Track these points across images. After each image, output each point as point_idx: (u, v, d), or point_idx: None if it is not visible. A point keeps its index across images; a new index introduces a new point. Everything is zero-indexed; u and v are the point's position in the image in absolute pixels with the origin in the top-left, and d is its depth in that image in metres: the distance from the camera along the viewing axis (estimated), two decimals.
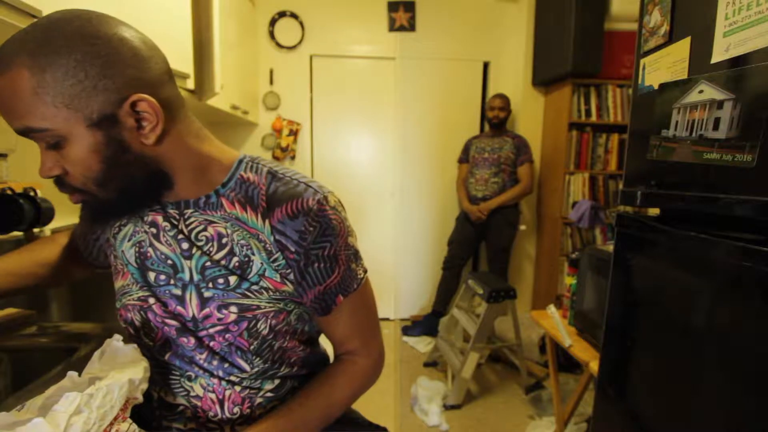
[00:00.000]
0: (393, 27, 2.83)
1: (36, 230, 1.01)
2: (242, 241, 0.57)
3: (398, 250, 3.05)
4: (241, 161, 0.60)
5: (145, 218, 0.59)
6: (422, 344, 2.63)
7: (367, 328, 0.66)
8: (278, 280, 0.58)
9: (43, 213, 0.96)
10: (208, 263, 0.57)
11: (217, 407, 0.60)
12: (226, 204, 0.58)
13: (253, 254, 0.57)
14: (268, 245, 0.57)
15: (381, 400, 2.03)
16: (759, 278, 0.59)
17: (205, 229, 0.58)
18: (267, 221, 0.57)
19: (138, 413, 0.53)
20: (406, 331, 2.79)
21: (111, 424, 0.46)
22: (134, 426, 0.51)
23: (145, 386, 0.53)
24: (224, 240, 0.57)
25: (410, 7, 2.82)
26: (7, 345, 0.85)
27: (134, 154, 0.50)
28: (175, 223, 0.58)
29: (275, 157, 2.85)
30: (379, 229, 3.03)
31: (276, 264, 0.57)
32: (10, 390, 0.80)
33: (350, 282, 0.61)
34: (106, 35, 0.46)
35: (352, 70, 2.90)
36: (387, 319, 3.07)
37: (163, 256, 0.58)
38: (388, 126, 2.95)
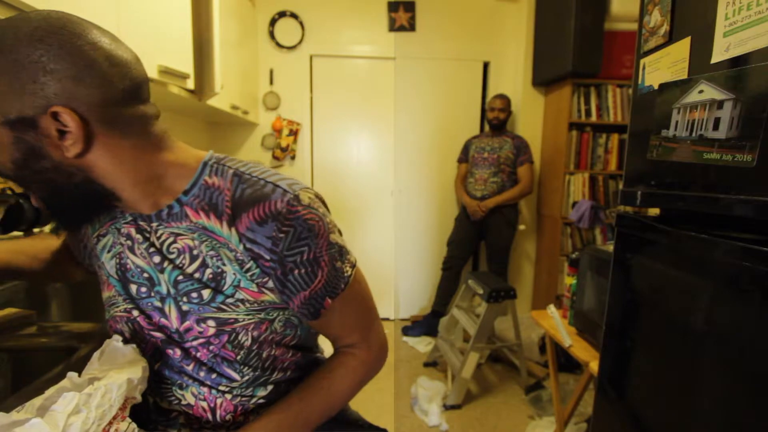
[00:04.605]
0: (393, 27, 2.83)
1: (36, 230, 1.01)
2: (211, 252, 0.54)
3: (398, 250, 3.05)
4: (205, 164, 0.56)
5: (121, 230, 0.58)
6: (422, 344, 2.63)
7: (362, 322, 0.64)
8: (255, 290, 0.55)
9: (43, 213, 0.96)
10: (181, 277, 0.55)
11: (209, 415, 0.59)
12: (190, 213, 0.55)
13: (225, 265, 0.54)
14: (238, 254, 0.54)
15: (381, 400, 2.03)
16: (759, 278, 0.59)
17: (174, 242, 0.55)
18: (233, 229, 0.53)
19: (136, 416, 0.53)
20: (406, 331, 2.79)
21: (110, 423, 0.46)
22: (134, 425, 0.51)
23: (144, 386, 0.53)
24: (195, 252, 0.55)
25: (410, 7, 2.82)
26: (7, 345, 0.85)
27: (52, 162, 0.48)
28: (147, 235, 0.57)
29: (275, 157, 2.85)
30: (379, 229, 3.03)
31: (250, 274, 0.54)
32: (10, 390, 0.80)
33: (337, 282, 0.57)
34: (57, 42, 0.45)
35: (352, 70, 2.89)
36: (387, 319, 3.07)
37: (139, 269, 0.57)
38: (388, 126, 2.95)
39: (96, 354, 0.54)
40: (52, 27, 0.45)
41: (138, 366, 0.52)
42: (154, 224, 0.56)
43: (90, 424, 0.43)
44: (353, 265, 0.61)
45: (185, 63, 1.45)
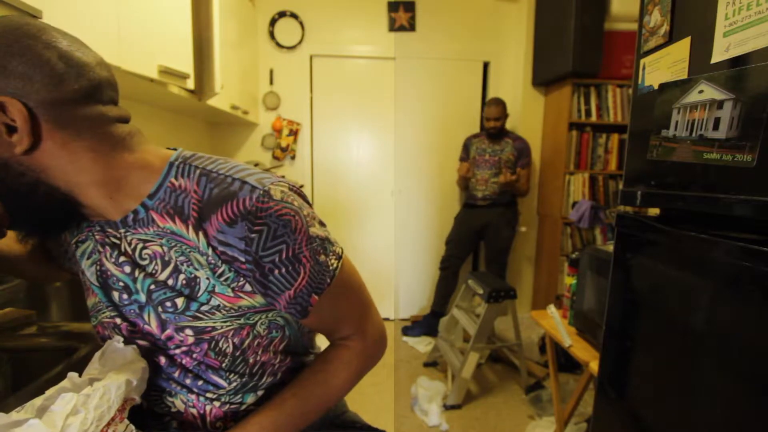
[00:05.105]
0: (393, 27, 2.83)
1: None
2: (182, 258, 0.52)
3: (398, 251, 3.05)
4: (171, 165, 0.53)
5: (96, 237, 0.57)
6: (422, 344, 2.63)
7: (355, 313, 0.62)
8: (231, 294, 0.53)
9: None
10: (153, 286, 0.54)
11: (199, 422, 0.58)
12: (157, 218, 0.52)
13: (197, 270, 0.52)
14: (209, 258, 0.51)
15: (381, 400, 2.03)
16: (759, 278, 0.59)
17: (145, 248, 0.54)
18: (201, 233, 0.51)
19: (132, 419, 0.53)
20: (406, 331, 2.79)
21: (108, 424, 0.46)
22: (131, 427, 0.51)
23: (143, 387, 0.53)
24: (166, 257, 0.53)
25: (410, 7, 2.82)
26: (7, 345, 0.85)
27: (0, 159, 0.47)
28: (117, 243, 0.55)
29: (275, 157, 2.85)
30: (379, 229, 3.03)
31: (224, 278, 0.52)
32: (10, 390, 0.80)
33: (322, 277, 0.55)
34: (8, 41, 0.45)
35: (352, 70, 2.89)
36: (387, 319, 3.07)
37: (115, 278, 0.56)
38: (388, 126, 2.95)
39: (97, 354, 0.54)
40: (5, 28, 0.46)
41: (137, 367, 0.52)
42: (122, 231, 0.54)
43: (88, 424, 0.43)
44: (339, 257, 0.58)
45: (185, 63, 1.45)
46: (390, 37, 2.85)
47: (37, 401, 0.46)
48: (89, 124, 0.50)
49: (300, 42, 2.77)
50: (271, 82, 2.79)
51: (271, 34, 2.74)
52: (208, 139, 2.72)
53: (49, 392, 0.48)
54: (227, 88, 1.96)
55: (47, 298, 1.11)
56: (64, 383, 0.49)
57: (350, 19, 2.81)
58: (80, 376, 0.51)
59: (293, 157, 2.88)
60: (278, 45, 2.75)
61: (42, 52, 0.46)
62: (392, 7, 2.81)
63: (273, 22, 2.73)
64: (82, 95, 0.49)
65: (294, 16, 2.74)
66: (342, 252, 0.59)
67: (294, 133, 2.84)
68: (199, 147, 2.49)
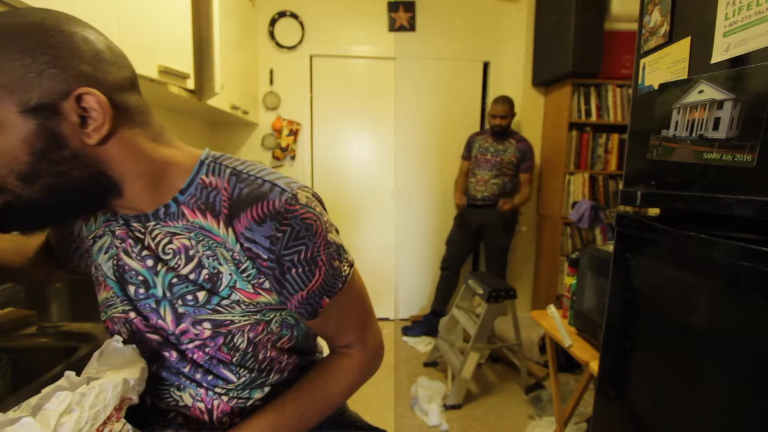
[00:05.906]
0: (393, 27, 2.83)
1: None
2: (208, 252, 0.54)
3: (398, 250, 3.05)
4: (202, 163, 0.55)
5: (116, 232, 0.57)
6: (422, 344, 2.63)
7: (359, 321, 0.64)
8: (251, 291, 0.55)
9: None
10: (175, 279, 0.55)
11: (206, 416, 0.59)
12: (187, 213, 0.54)
13: (221, 265, 0.54)
14: (235, 254, 0.53)
15: (381, 400, 2.03)
16: (759, 278, 0.59)
17: (170, 242, 0.55)
18: (230, 229, 0.52)
19: (134, 417, 0.53)
20: (406, 331, 2.79)
21: (104, 423, 0.46)
22: (128, 426, 0.51)
23: (141, 387, 0.53)
24: (191, 252, 0.54)
25: (410, 7, 2.82)
26: (7, 345, 0.85)
27: (72, 151, 0.46)
28: (141, 237, 0.56)
29: (275, 157, 2.85)
30: (379, 229, 3.03)
31: (246, 274, 0.54)
32: (10, 390, 0.80)
33: (334, 282, 0.57)
34: (67, 31, 0.45)
35: (352, 70, 2.90)
36: (387, 319, 3.07)
37: (134, 272, 0.57)
38: (388, 126, 2.95)
39: (96, 354, 0.54)
40: (59, 18, 0.46)
41: (136, 367, 0.52)
42: (151, 223, 0.55)
43: (83, 423, 0.43)
44: (351, 264, 0.60)
45: (185, 63, 1.45)
46: (390, 37, 2.85)
47: (33, 400, 0.46)
48: (138, 112, 0.51)
49: (300, 42, 2.77)
50: (271, 82, 2.79)
51: (271, 34, 2.74)
52: (208, 139, 2.72)
53: (45, 391, 0.47)
54: (227, 88, 1.96)
55: (47, 298, 1.11)
56: (61, 382, 0.49)
57: (350, 19, 2.81)
58: (78, 375, 0.51)
59: (293, 157, 2.88)
60: (278, 45, 2.75)
61: (95, 42, 0.47)
62: (392, 7, 2.81)
63: (273, 22, 2.73)
64: (130, 84, 0.50)
65: (294, 16, 2.74)
66: (353, 261, 0.61)
67: (294, 133, 2.84)
68: (199, 147, 2.48)
